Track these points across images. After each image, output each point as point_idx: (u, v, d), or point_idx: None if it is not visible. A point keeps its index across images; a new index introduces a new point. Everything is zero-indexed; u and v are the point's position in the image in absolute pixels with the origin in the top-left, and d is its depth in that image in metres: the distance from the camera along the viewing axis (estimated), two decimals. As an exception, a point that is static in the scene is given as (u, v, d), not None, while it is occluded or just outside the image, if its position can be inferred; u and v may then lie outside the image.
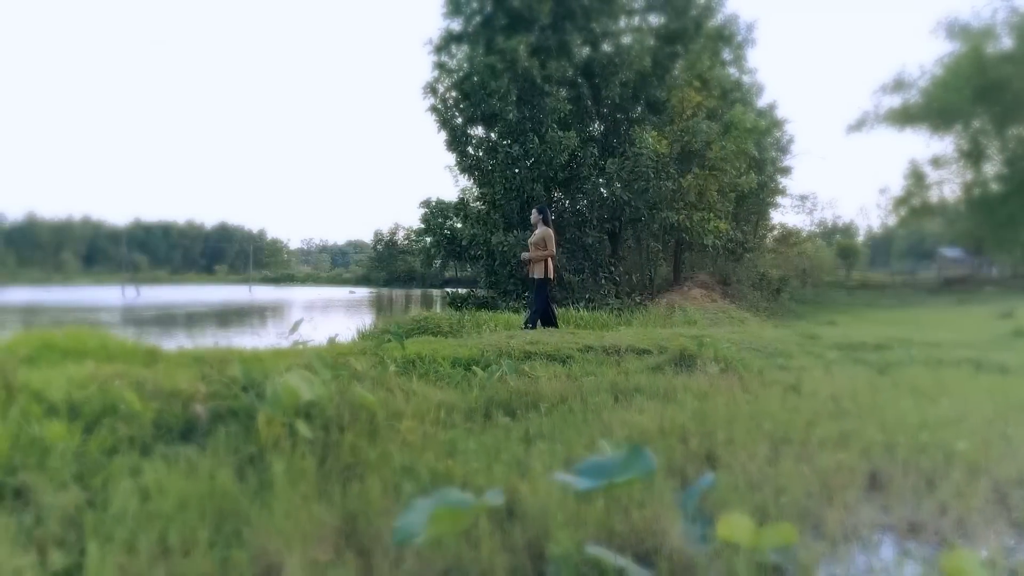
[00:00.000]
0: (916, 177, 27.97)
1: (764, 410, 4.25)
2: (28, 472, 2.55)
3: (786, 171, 25.89)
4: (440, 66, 16.87)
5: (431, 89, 16.87)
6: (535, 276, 8.90)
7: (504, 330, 8.82)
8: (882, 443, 3.50)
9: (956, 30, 27.32)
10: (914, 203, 29.63)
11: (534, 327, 8.52)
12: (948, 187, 29.14)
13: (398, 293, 62.30)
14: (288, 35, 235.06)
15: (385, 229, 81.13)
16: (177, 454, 2.90)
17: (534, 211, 9.37)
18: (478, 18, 16.39)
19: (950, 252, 39.62)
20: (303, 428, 3.39)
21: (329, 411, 3.56)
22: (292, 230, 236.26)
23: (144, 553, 2.18)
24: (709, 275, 21.26)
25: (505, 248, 14.42)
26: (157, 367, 3.61)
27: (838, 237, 46.18)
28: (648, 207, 14.12)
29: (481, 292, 16.10)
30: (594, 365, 5.57)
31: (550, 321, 8.92)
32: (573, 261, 14.47)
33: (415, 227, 78.25)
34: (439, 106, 16.72)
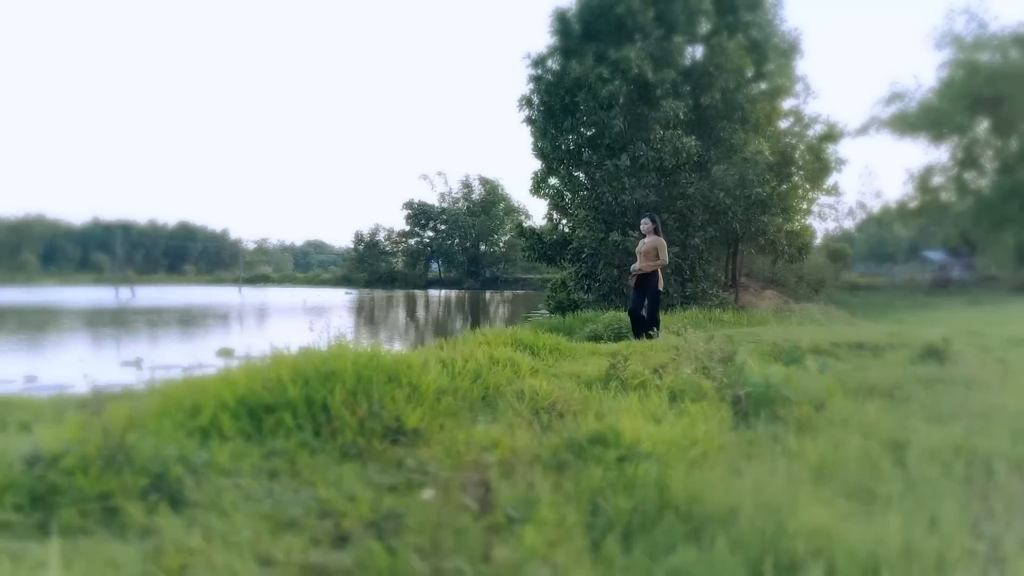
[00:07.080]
0: (921, 183, 29.92)
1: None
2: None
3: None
4: (536, 79, 17.49)
5: (527, 102, 17.60)
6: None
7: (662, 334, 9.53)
8: None
9: (948, 40, 29.11)
10: (911, 206, 31.62)
11: (655, 331, 8.28)
12: (943, 193, 31.14)
13: (379, 294, 61.92)
14: (243, 38, 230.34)
15: (365, 230, 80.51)
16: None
17: (646, 220, 8.83)
18: (578, 28, 16.90)
19: (933, 255, 42.03)
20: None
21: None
22: (247, 229, 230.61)
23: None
24: (748, 276, 22.40)
25: (620, 249, 14.92)
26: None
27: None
28: (750, 210, 15.03)
29: (577, 296, 16.52)
30: (859, 359, 6.38)
31: (640, 329, 8.49)
32: (680, 263, 15.20)
33: (397, 228, 78.44)
34: (535, 118, 17.47)
